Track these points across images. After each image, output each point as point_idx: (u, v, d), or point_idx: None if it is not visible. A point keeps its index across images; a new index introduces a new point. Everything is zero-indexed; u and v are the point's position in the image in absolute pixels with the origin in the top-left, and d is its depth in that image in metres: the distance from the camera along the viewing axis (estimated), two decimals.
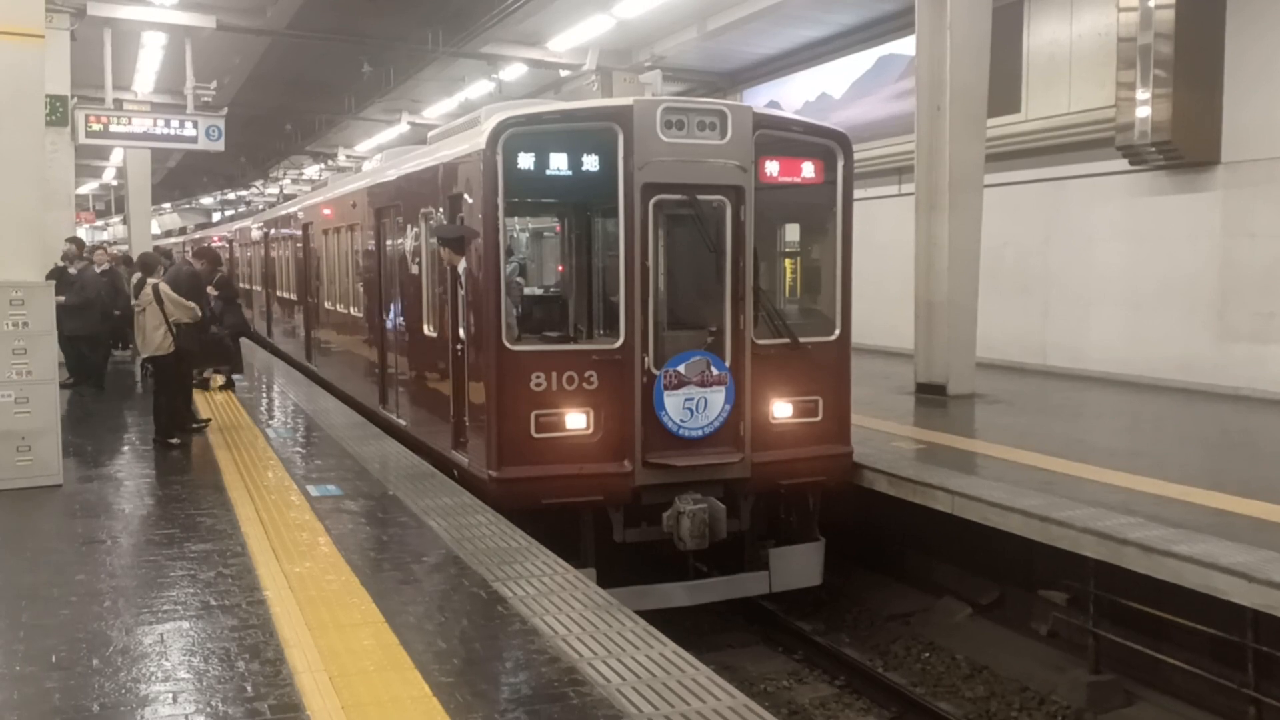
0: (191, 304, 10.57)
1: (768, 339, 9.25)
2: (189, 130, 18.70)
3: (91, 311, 14.12)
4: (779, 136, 9.35)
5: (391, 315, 12.36)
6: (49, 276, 10.72)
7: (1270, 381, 13.23)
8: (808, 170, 9.49)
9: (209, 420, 11.66)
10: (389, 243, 12.46)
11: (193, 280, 11.35)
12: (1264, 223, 13.45)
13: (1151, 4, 13.52)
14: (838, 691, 8.67)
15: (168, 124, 18.85)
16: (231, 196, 54.57)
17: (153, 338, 10.42)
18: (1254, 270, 13.56)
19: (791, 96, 22.59)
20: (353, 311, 14.56)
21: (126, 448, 10.81)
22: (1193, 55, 13.64)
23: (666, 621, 6.27)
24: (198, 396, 12.40)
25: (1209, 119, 13.84)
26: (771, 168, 9.24)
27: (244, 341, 16.29)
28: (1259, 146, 13.46)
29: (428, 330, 10.72)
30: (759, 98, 23.10)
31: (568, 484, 8.63)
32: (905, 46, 17.77)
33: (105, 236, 50.97)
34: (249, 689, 4.69)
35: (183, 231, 47.16)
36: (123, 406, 13.58)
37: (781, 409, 9.29)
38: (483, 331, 8.81)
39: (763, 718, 4.42)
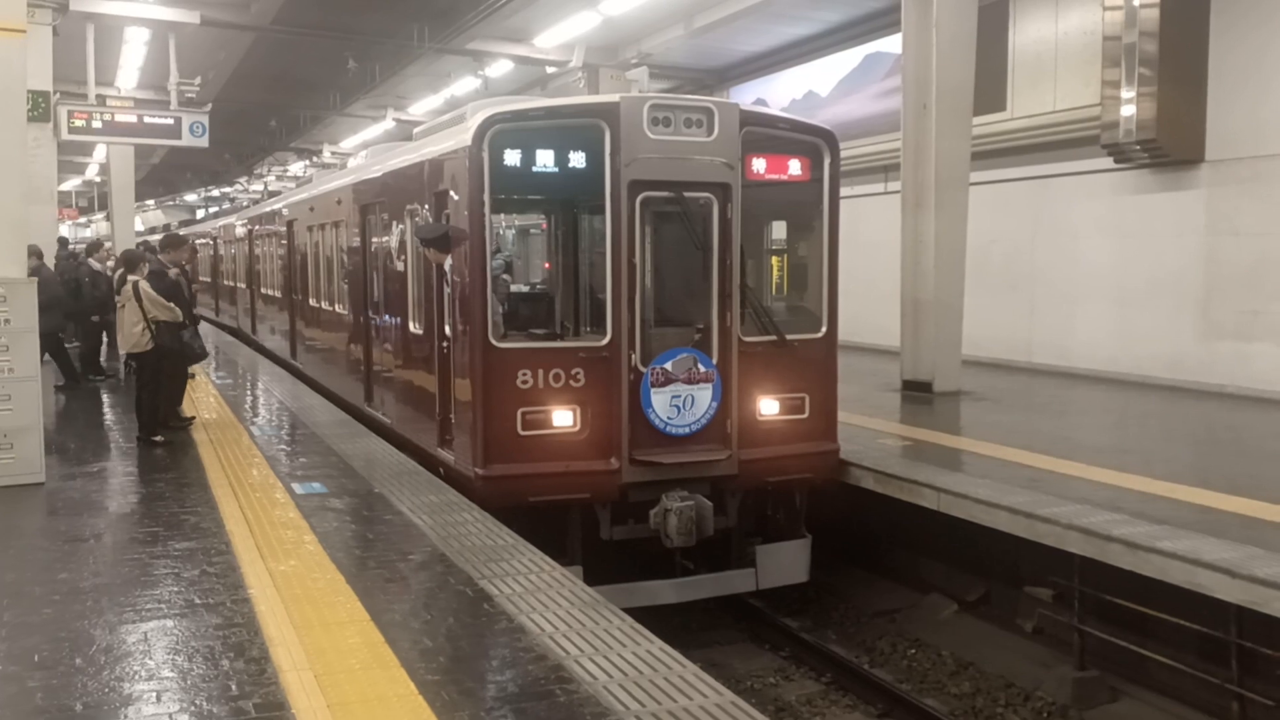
0: (171, 304, 10.53)
1: (755, 336, 9.25)
2: (172, 126, 18.59)
3: (53, 312, 13.84)
4: (766, 134, 9.35)
5: (377, 312, 12.31)
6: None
7: (1254, 379, 13.31)
8: (794, 168, 9.48)
9: (193, 418, 11.59)
10: (374, 239, 12.41)
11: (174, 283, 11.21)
12: (1248, 221, 13.52)
13: (1136, 3, 13.58)
14: (824, 688, 8.68)
15: (151, 120, 18.73)
16: (216, 193, 54.35)
17: (130, 334, 10.41)
18: (1238, 268, 13.63)
19: (778, 94, 22.61)
20: (338, 309, 14.50)
21: (110, 445, 10.74)
22: (1177, 54, 13.71)
23: (653, 619, 6.25)
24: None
25: (1193, 117, 13.90)
26: (758, 165, 9.23)
27: (230, 339, 16.06)
28: (1243, 145, 13.53)
29: (413, 327, 10.68)
30: (746, 95, 23.13)
31: (554, 482, 8.61)
32: (892, 44, 17.79)
33: (89, 233, 50.69)
34: (233, 688, 4.66)
35: (166, 229, 46.80)
36: (106, 404, 13.50)
37: (768, 406, 9.30)
38: (469, 329, 8.78)
39: (749, 714, 4.41)
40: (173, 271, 11.18)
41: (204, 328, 19.22)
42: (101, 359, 16.34)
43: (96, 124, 18.21)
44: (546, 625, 5.41)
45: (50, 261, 15.47)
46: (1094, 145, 14.67)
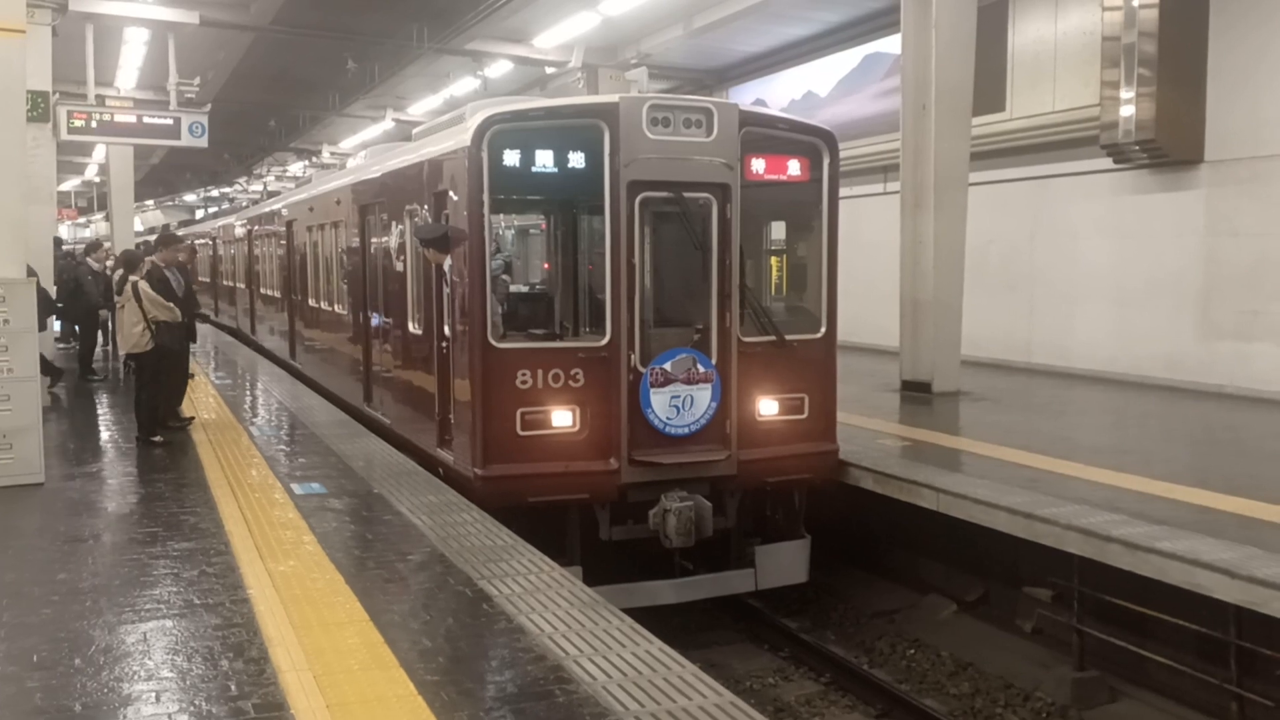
0: (170, 304, 10.54)
1: (754, 336, 9.25)
2: (172, 126, 18.57)
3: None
4: (765, 134, 9.35)
5: (376, 312, 12.31)
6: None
7: (1254, 379, 13.31)
8: (794, 168, 9.49)
9: (192, 418, 11.59)
10: (374, 240, 12.41)
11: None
12: (1247, 221, 13.52)
13: (1135, 3, 13.58)
14: (823, 689, 8.68)
15: (150, 120, 18.72)
16: (215, 193, 54.33)
17: (130, 335, 10.42)
18: (1237, 268, 13.63)
19: (778, 94, 22.61)
20: (337, 309, 14.50)
21: (109, 446, 10.74)
22: (1176, 54, 13.71)
23: (653, 619, 6.26)
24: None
25: (1192, 118, 13.90)
26: (757, 165, 9.24)
27: (230, 340, 16.05)
28: (1242, 145, 13.53)
29: (413, 328, 10.68)
30: (745, 95, 23.12)
31: (554, 482, 8.61)
32: (891, 45, 17.79)
33: (88, 234, 50.68)
34: (233, 688, 4.66)
35: (165, 229, 46.75)
36: (104, 404, 13.49)
37: (768, 406, 9.30)
38: (468, 329, 8.78)
39: (748, 715, 4.41)
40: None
41: (203, 328, 19.26)
42: (97, 359, 16.35)
43: (95, 124, 18.18)
44: (546, 625, 5.41)
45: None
46: (1093, 145, 14.67)
